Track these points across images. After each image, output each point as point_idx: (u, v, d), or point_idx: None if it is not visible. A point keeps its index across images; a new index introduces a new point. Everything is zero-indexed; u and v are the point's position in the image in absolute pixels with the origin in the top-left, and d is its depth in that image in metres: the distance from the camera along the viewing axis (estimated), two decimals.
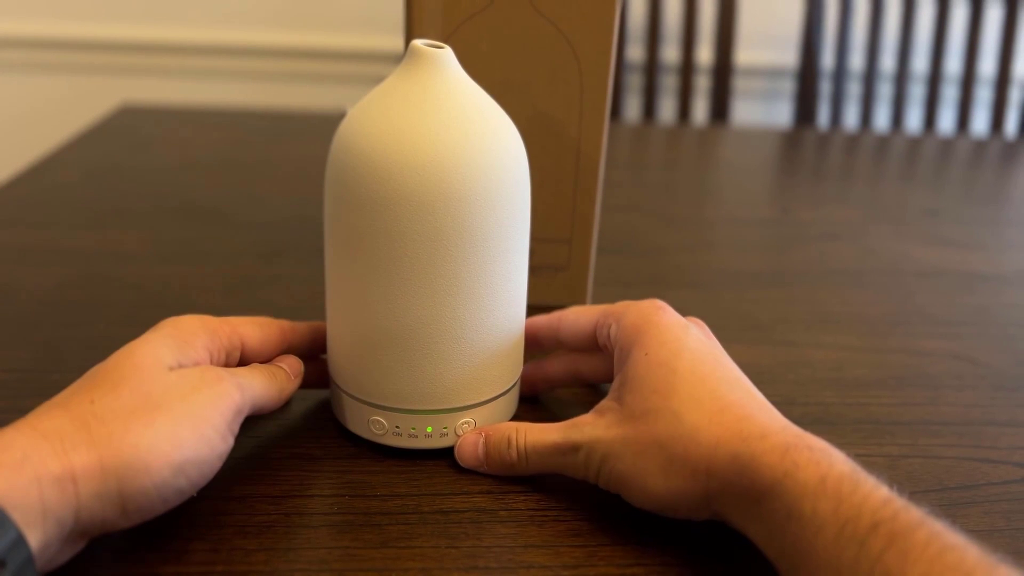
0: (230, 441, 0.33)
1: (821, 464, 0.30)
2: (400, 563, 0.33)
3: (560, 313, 0.43)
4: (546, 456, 0.37)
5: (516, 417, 0.42)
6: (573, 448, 0.36)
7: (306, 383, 0.43)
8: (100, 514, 0.29)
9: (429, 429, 0.39)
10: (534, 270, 0.44)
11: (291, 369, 0.39)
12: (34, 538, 0.27)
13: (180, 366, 0.33)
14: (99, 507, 0.29)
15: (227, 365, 0.37)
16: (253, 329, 0.38)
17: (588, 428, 0.36)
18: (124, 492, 0.29)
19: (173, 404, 0.31)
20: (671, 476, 0.33)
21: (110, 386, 0.31)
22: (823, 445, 0.31)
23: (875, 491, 0.28)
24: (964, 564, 0.25)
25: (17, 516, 0.26)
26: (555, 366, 0.45)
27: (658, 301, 0.40)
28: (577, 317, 0.42)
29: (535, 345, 0.43)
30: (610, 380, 0.42)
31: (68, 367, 0.47)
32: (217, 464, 0.33)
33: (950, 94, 1.48)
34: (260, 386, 0.36)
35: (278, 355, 0.40)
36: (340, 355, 0.39)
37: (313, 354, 0.42)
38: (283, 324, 0.40)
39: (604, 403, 0.37)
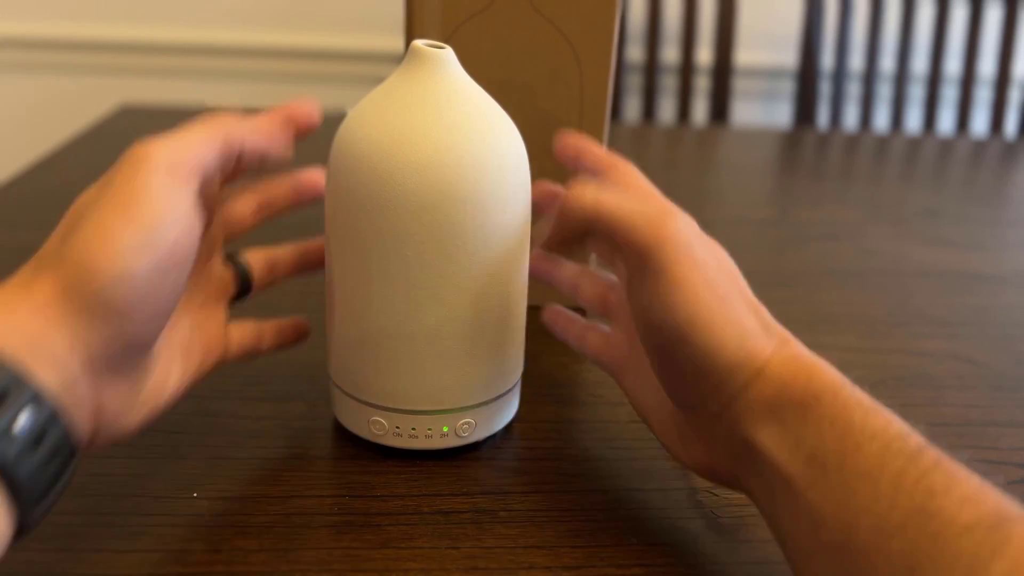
0: (191, 198, 0.30)
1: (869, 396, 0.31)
2: (400, 564, 0.33)
3: (553, 265, 0.43)
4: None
5: (519, 418, 0.42)
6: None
7: (282, 342, 0.42)
8: (97, 335, 0.28)
9: (429, 429, 0.39)
10: None
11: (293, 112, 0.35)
12: (50, 376, 0.26)
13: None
14: (85, 326, 0.28)
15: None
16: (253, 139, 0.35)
17: None
18: (89, 301, 0.28)
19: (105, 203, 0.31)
20: (728, 326, 0.31)
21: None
22: None
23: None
24: (1005, 500, 0.26)
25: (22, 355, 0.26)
26: (564, 273, 0.43)
27: (665, 227, 0.32)
28: (577, 281, 0.42)
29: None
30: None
31: None
32: (195, 233, 0.31)
33: (950, 94, 1.48)
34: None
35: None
36: (340, 355, 0.39)
37: (305, 269, 0.43)
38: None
39: None
